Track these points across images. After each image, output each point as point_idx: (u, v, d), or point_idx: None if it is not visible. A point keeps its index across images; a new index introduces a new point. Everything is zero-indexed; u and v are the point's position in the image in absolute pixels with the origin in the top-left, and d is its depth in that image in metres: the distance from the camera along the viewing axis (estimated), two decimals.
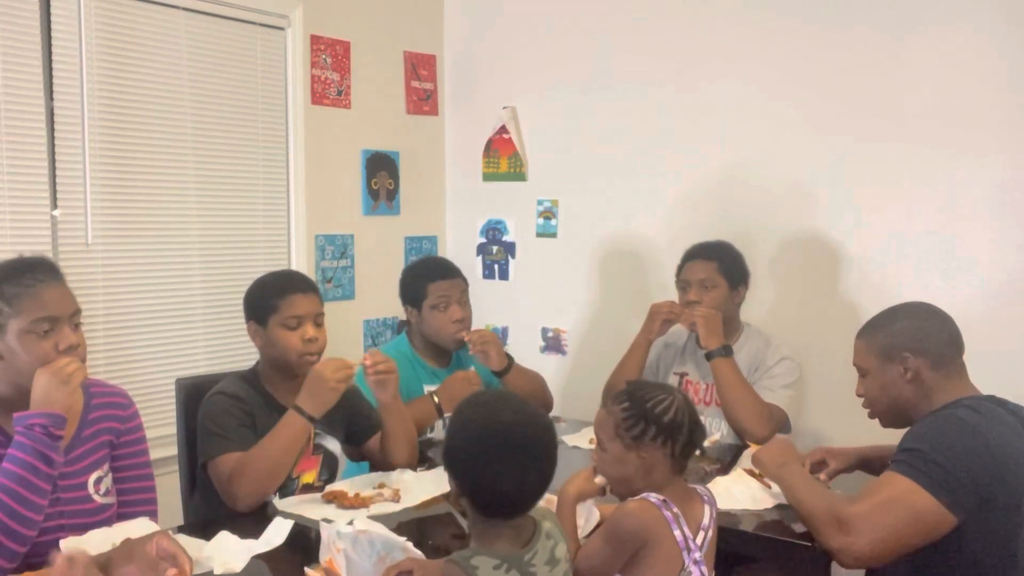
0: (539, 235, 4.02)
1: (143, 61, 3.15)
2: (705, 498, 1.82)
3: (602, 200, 3.81)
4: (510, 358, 3.03)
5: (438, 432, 2.91)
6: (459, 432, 1.57)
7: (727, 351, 2.85)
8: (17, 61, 2.83)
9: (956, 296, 2.93)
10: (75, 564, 1.52)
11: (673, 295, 3.08)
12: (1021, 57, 2.93)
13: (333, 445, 2.51)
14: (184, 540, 1.86)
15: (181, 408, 2.53)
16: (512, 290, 4.11)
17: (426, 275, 3.01)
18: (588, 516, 1.96)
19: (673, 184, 3.61)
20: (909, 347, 2.06)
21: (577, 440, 2.88)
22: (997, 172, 2.99)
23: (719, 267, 2.96)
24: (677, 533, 1.70)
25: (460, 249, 4.24)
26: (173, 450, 2.60)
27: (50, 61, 2.91)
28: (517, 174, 4.05)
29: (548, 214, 3.99)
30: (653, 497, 1.72)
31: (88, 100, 3.00)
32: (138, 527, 1.93)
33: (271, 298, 2.39)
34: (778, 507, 2.19)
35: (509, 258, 4.12)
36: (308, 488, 2.39)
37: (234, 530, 1.93)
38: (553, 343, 4.02)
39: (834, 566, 2.03)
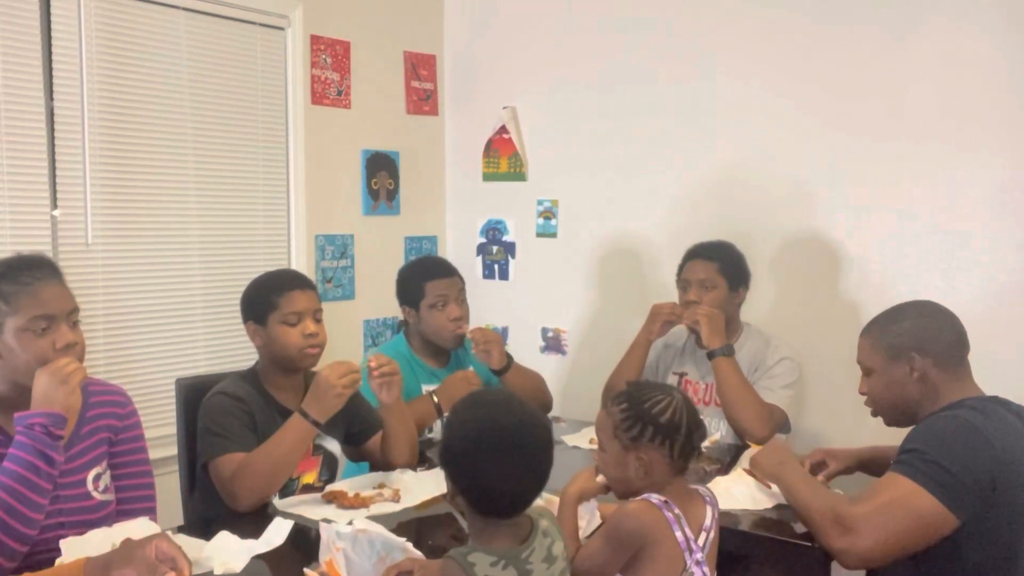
0: (539, 235, 4.02)
1: (143, 61, 3.15)
2: (707, 499, 1.82)
3: (602, 200, 3.81)
4: (509, 357, 3.03)
5: (437, 432, 2.90)
6: (456, 432, 1.56)
7: (729, 350, 2.84)
8: (17, 61, 2.83)
9: (956, 296, 2.92)
10: None
11: (673, 295, 3.08)
12: (1021, 57, 2.93)
13: (333, 446, 2.51)
14: (184, 540, 1.86)
15: (181, 408, 2.53)
16: (512, 290, 4.11)
17: (423, 274, 3.01)
18: (590, 517, 1.95)
19: (673, 184, 3.61)
20: (916, 347, 2.05)
21: (577, 440, 2.88)
22: (997, 172, 2.99)
23: (720, 268, 2.96)
24: (678, 534, 1.70)
25: (460, 249, 4.24)
26: (173, 450, 2.60)
27: (50, 61, 2.91)
28: (517, 174, 4.05)
29: (548, 214, 3.99)
30: (654, 498, 1.72)
31: (88, 100, 3.00)
32: (138, 527, 1.93)
33: (270, 295, 2.40)
34: (778, 507, 2.18)
35: (509, 258, 4.12)
36: (308, 488, 2.39)
37: (234, 530, 1.93)
38: (553, 343, 4.02)
39: (834, 566, 2.03)
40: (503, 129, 4.04)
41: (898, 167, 3.15)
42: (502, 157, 4.08)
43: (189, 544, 1.83)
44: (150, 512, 2.10)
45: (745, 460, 2.49)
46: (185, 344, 3.32)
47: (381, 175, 3.97)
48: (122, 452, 2.09)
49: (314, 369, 2.42)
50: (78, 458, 1.99)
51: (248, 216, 3.52)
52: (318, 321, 2.43)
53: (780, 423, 2.85)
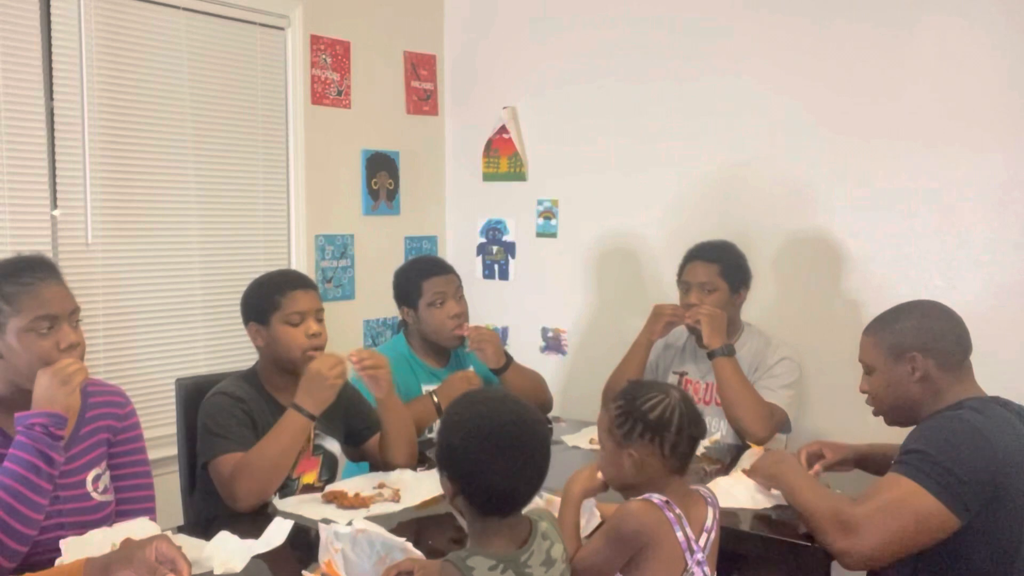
0: (539, 235, 4.02)
1: (143, 61, 3.15)
2: (709, 500, 1.82)
3: (602, 200, 3.81)
4: (509, 357, 3.03)
5: (437, 432, 2.90)
6: (454, 431, 1.56)
7: (729, 350, 2.84)
8: (17, 61, 2.83)
9: (956, 296, 2.92)
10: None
11: (673, 294, 3.08)
12: (1021, 57, 2.93)
13: (333, 446, 2.51)
14: (184, 540, 1.86)
15: (181, 408, 2.53)
16: (512, 290, 4.11)
17: (420, 273, 3.01)
18: (589, 516, 1.95)
19: (673, 183, 3.61)
20: (918, 346, 2.05)
21: (577, 440, 2.88)
22: (998, 171, 2.99)
23: (721, 270, 2.95)
24: (679, 534, 1.70)
25: (460, 249, 4.25)
26: (173, 450, 2.60)
27: (50, 61, 2.91)
28: (517, 174, 4.05)
29: (548, 214, 3.99)
30: (655, 498, 1.72)
31: (88, 100, 3.00)
32: (139, 528, 1.93)
33: (272, 296, 2.39)
34: (778, 507, 2.18)
35: (509, 258, 4.12)
36: (308, 488, 2.39)
37: (234, 530, 1.93)
38: (553, 343, 4.02)
39: (834, 566, 2.03)
40: (503, 129, 4.04)
41: (898, 167, 3.15)
42: (502, 157, 4.08)
43: (189, 544, 1.83)
44: (149, 512, 2.10)
45: (745, 460, 2.49)
46: (185, 344, 3.32)
47: (381, 175, 3.97)
48: (121, 452, 2.09)
49: None
50: (77, 459, 1.99)
51: (248, 216, 3.52)
52: (320, 321, 2.43)
53: (780, 423, 2.85)
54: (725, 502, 2.14)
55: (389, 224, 4.01)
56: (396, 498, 2.25)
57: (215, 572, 1.79)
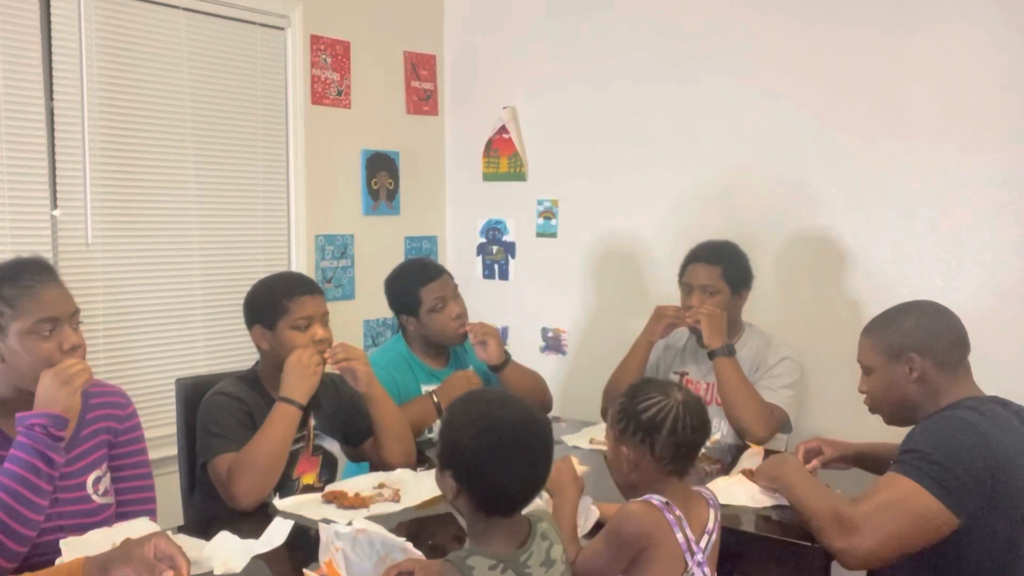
0: (539, 235, 4.02)
1: (143, 61, 3.15)
2: (710, 501, 1.81)
3: (602, 200, 3.81)
4: (507, 355, 3.03)
5: (437, 432, 2.90)
6: (461, 430, 1.55)
7: (730, 350, 2.84)
8: (17, 61, 2.83)
9: (956, 296, 2.93)
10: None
11: (673, 294, 3.08)
12: (1021, 57, 2.93)
13: (333, 446, 2.51)
14: (184, 540, 1.86)
15: (181, 408, 2.53)
16: (512, 290, 4.11)
17: (415, 281, 2.98)
18: (587, 515, 1.95)
19: (673, 183, 3.61)
20: (916, 347, 2.05)
21: (577, 440, 2.87)
22: (998, 171, 2.99)
23: (723, 273, 2.94)
24: (679, 536, 1.69)
25: (460, 249, 4.25)
26: (173, 450, 2.60)
27: (50, 61, 2.91)
28: (517, 174, 4.05)
29: (548, 214, 3.99)
30: (655, 499, 1.72)
31: (88, 100, 3.00)
32: (138, 527, 1.93)
33: (280, 300, 2.38)
34: (778, 507, 2.18)
35: (509, 258, 4.12)
36: (308, 489, 2.39)
37: (234, 530, 1.93)
38: (553, 343, 4.02)
39: (834, 566, 2.03)
40: (503, 129, 4.04)
41: (898, 167, 3.15)
42: (502, 157, 4.08)
43: (189, 544, 1.83)
44: (150, 513, 2.10)
45: (745, 460, 2.49)
46: (185, 344, 3.32)
47: (381, 175, 3.97)
48: (122, 454, 2.09)
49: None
50: (78, 461, 1.99)
51: (248, 216, 3.52)
52: (326, 326, 2.43)
53: (781, 423, 2.85)
54: (725, 500, 2.14)
55: (389, 224, 4.01)
56: (396, 498, 2.25)
57: (215, 572, 1.79)
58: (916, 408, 2.07)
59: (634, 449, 1.75)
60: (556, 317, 4.00)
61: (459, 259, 4.22)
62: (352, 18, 3.81)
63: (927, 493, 1.87)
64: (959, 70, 3.02)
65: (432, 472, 2.38)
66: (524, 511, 1.59)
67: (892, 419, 2.15)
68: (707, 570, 1.73)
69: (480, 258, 4.20)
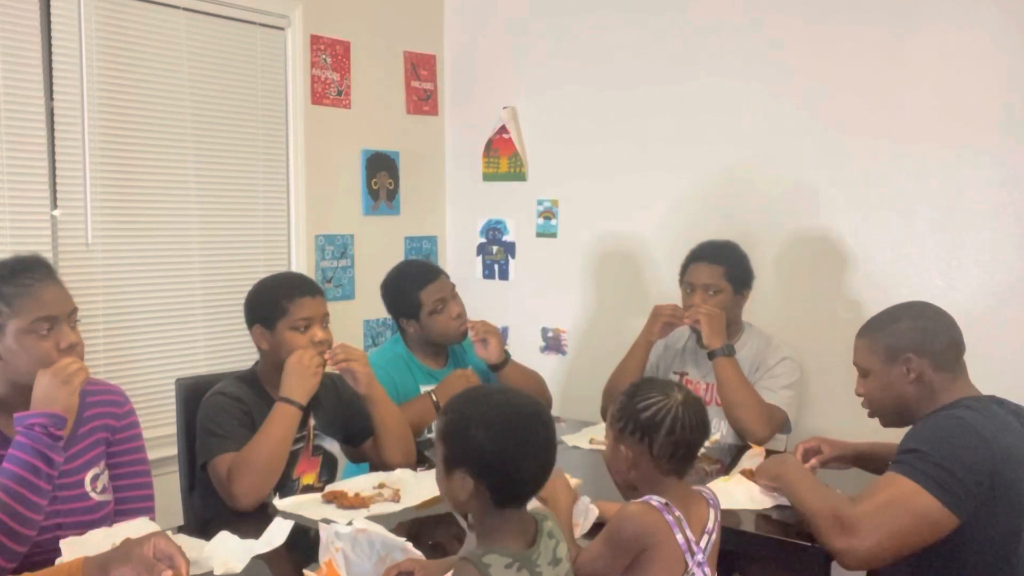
0: (539, 235, 4.02)
1: (143, 61, 3.15)
2: (710, 501, 1.81)
3: (602, 200, 3.81)
4: (507, 354, 3.03)
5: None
6: (473, 425, 1.52)
7: (729, 350, 2.84)
8: (17, 61, 2.83)
9: (956, 296, 2.93)
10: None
11: (674, 294, 3.08)
12: (1021, 57, 2.93)
13: (333, 446, 2.51)
14: (184, 540, 1.86)
15: (181, 408, 2.53)
16: (512, 290, 4.11)
17: (413, 284, 2.98)
18: (587, 514, 1.95)
19: (673, 183, 3.61)
20: (912, 348, 2.05)
21: (577, 440, 2.87)
22: (998, 171, 2.99)
23: (726, 272, 2.94)
24: (679, 537, 1.69)
25: (460, 249, 4.25)
26: (173, 450, 2.60)
27: (50, 61, 2.91)
28: (517, 174, 4.05)
29: (548, 214, 3.99)
30: (655, 500, 1.72)
31: (88, 100, 3.00)
32: (138, 527, 1.93)
33: (280, 301, 2.38)
34: (778, 507, 2.18)
35: (509, 258, 4.12)
36: (308, 489, 2.39)
37: (234, 530, 1.93)
38: (553, 343, 4.02)
39: (834, 566, 2.03)
40: (503, 129, 4.04)
41: (898, 167, 3.15)
42: (502, 157, 4.08)
43: (189, 544, 1.83)
44: (149, 512, 2.10)
45: (745, 461, 2.49)
46: (185, 344, 3.32)
47: (381, 175, 3.97)
48: (120, 452, 2.09)
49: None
50: (76, 459, 1.99)
51: (248, 216, 3.52)
52: (326, 327, 2.43)
53: (780, 423, 2.85)
54: (725, 502, 2.13)
55: (389, 224, 4.01)
56: (396, 498, 2.25)
57: (215, 572, 1.79)
58: (913, 409, 2.07)
59: (632, 448, 1.76)
60: (556, 317, 4.00)
61: (459, 259, 4.23)
62: (352, 18, 3.81)
63: (926, 493, 1.87)
64: (959, 70, 3.02)
65: (432, 472, 2.39)
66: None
67: (889, 421, 2.15)
68: (707, 570, 1.73)
69: (480, 258, 4.20)
